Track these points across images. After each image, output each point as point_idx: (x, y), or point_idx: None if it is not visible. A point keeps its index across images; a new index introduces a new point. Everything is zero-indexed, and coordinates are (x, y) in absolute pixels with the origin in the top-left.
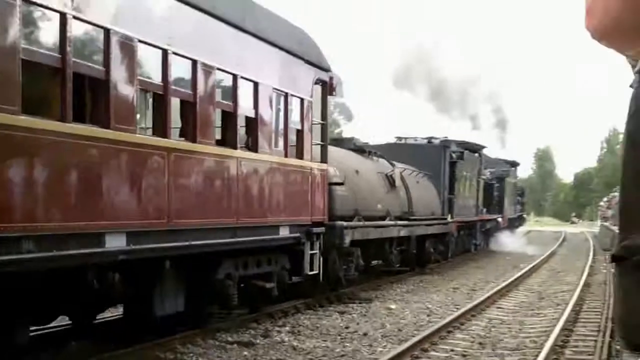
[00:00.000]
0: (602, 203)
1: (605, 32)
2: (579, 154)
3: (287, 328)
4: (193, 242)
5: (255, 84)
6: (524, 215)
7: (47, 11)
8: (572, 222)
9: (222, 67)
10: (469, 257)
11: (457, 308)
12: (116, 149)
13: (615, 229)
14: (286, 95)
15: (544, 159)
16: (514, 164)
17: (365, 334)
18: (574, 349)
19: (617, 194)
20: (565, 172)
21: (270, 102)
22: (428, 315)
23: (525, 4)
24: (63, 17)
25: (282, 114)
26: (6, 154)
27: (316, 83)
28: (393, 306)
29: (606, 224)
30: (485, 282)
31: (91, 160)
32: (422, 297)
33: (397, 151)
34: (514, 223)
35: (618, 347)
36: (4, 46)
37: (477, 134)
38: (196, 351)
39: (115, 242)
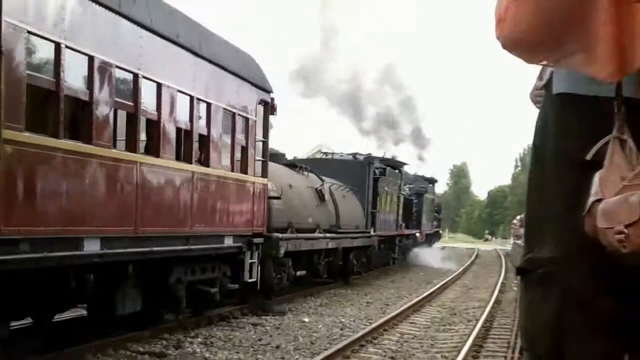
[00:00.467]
0: (515, 221)
1: (515, 43)
2: (495, 171)
3: (199, 339)
4: (154, 249)
5: (209, 105)
6: (440, 231)
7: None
8: (486, 240)
9: (182, 89)
10: (383, 272)
11: (370, 322)
12: (95, 162)
13: None
14: (234, 114)
15: (459, 175)
16: (432, 181)
17: (278, 347)
18: None
19: None
20: (481, 189)
21: (220, 121)
22: (341, 329)
23: (440, 16)
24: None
25: (229, 132)
26: (20, 167)
27: (259, 103)
28: (306, 319)
29: (518, 242)
30: (398, 297)
31: (75, 171)
32: (336, 310)
33: (323, 166)
34: (431, 238)
35: None
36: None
37: (396, 149)
38: None
39: (91, 247)
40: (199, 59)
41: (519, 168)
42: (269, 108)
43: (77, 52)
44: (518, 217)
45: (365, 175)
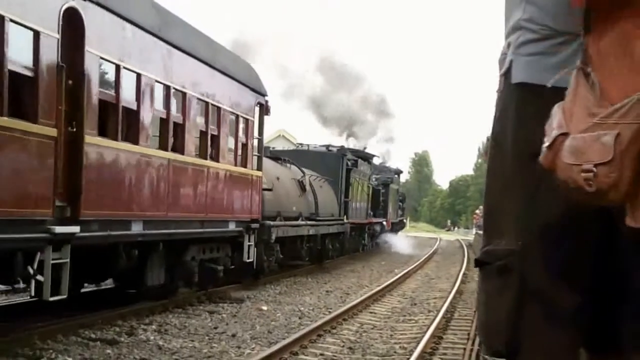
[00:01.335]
0: (477, 211)
1: None
2: (457, 160)
3: (153, 327)
4: (180, 230)
5: (219, 109)
6: (404, 220)
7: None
8: (448, 229)
9: (201, 97)
10: (344, 261)
11: (330, 311)
12: (143, 160)
13: None
14: (237, 116)
15: (421, 164)
16: (397, 172)
17: (234, 335)
18: (442, 356)
19: None
20: (443, 179)
21: (227, 121)
22: (300, 318)
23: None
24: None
25: (234, 131)
26: (94, 164)
27: (256, 105)
28: (265, 307)
29: (481, 232)
30: (359, 286)
31: (128, 167)
32: (295, 299)
33: (300, 157)
34: (396, 227)
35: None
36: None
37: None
38: (57, 347)
39: (137, 227)
40: (214, 71)
41: (481, 157)
42: (264, 109)
43: (131, 72)
44: (481, 207)
45: (339, 166)
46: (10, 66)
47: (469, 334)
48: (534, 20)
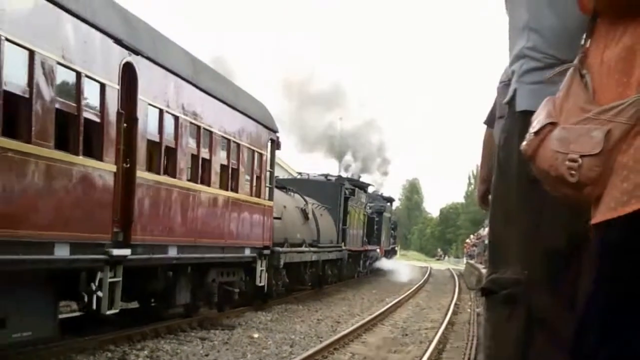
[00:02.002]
0: (468, 240)
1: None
2: (447, 188)
3: (145, 352)
4: (205, 255)
5: (239, 145)
6: (396, 248)
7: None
8: (438, 258)
9: (224, 135)
10: (334, 289)
11: (321, 340)
12: (176, 191)
13: (481, 267)
14: (253, 151)
15: (411, 191)
16: (390, 200)
17: None
18: None
19: (482, 230)
20: (433, 207)
21: (245, 156)
22: (291, 347)
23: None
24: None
25: (250, 164)
26: (145, 195)
27: (269, 141)
28: (256, 335)
29: (472, 261)
30: (350, 314)
31: (169, 197)
32: (286, 327)
33: (300, 185)
34: (388, 254)
35: None
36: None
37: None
38: None
39: (172, 252)
40: (235, 111)
41: (472, 186)
42: (275, 144)
43: (171, 115)
44: (472, 236)
45: (337, 195)
46: (85, 114)
47: None
48: (538, 49)
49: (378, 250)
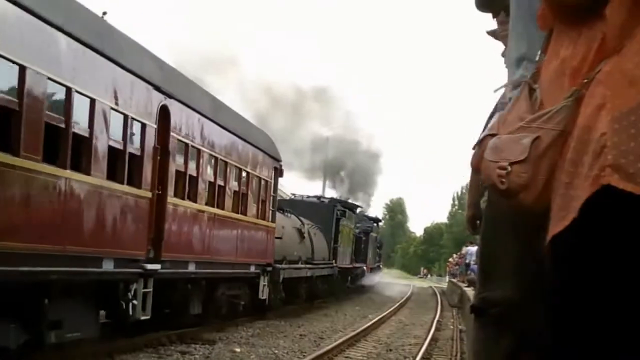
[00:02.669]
0: (451, 259)
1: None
2: (431, 208)
3: None
4: (219, 270)
5: (249, 174)
6: (380, 266)
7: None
8: (421, 277)
9: (237, 164)
10: (317, 305)
11: (304, 355)
12: (199, 214)
13: (463, 285)
14: (260, 179)
15: (395, 210)
16: (376, 220)
17: None
18: None
19: (465, 249)
20: (417, 226)
21: (253, 183)
22: None
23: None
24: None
25: (257, 189)
26: (174, 217)
27: (273, 169)
28: (238, 349)
29: (454, 280)
30: (333, 330)
31: (192, 220)
32: (269, 342)
33: (295, 206)
34: (374, 271)
35: None
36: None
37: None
38: None
39: (191, 267)
40: (247, 144)
41: (456, 206)
42: (278, 172)
43: (195, 148)
44: (454, 255)
45: (330, 216)
46: (130, 149)
47: None
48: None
49: (365, 267)
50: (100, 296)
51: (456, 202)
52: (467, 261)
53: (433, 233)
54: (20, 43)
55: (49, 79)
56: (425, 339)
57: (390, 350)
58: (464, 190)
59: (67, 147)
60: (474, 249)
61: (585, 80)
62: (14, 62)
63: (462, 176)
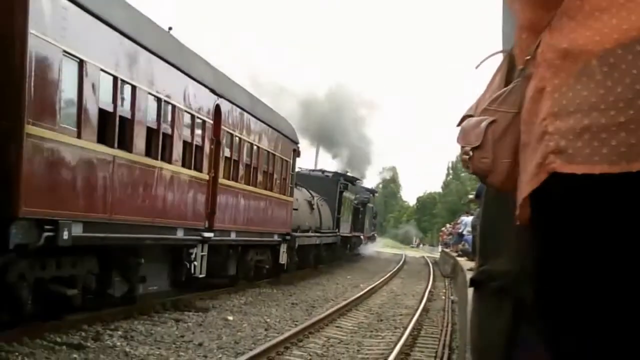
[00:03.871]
0: (444, 229)
1: None
2: (425, 177)
3: (119, 332)
4: (253, 238)
5: (274, 155)
6: (375, 235)
7: None
8: (414, 246)
9: (266, 148)
10: (309, 273)
11: (296, 324)
12: (243, 192)
13: (455, 255)
14: (282, 159)
15: (389, 180)
16: (373, 192)
17: (200, 344)
18: None
19: (461, 219)
20: (410, 195)
21: (278, 163)
22: (266, 330)
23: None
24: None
25: (280, 169)
26: (221, 192)
27: (292, 151)
28: (230, 317)
29: (447, 250)
30: (324, 299)
31: (235, 195)
32: (261, 310)
33: (302, 180)
34: (370, 240)
35: None
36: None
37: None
38: (22, 351)
39: (233, 235)
40: (274, 130)
41: (451, 176)
42: (296, 153)
43: (238, 137)
44: (447, 225)
45: (335, 188)
46: (195, 142)
47: (436, 352)
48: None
49: (362, 236)
50: (169, 258)
51: (450, 172)
52: (460, 231)
53: (426, 202)
54: (136, 69)
55: (149, 93)
56: (417, 309)
57: (381, 320)
58: (457, 160)
59: (157, 143)
60: (468, 219)
61: (528, 58)
62: (128, 84)
63: (456, 146)
